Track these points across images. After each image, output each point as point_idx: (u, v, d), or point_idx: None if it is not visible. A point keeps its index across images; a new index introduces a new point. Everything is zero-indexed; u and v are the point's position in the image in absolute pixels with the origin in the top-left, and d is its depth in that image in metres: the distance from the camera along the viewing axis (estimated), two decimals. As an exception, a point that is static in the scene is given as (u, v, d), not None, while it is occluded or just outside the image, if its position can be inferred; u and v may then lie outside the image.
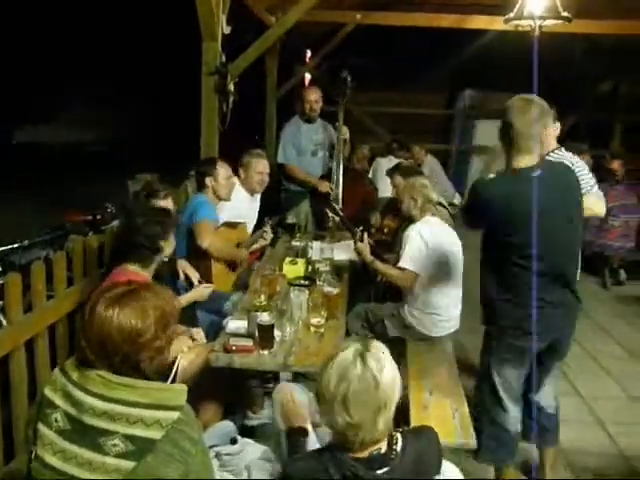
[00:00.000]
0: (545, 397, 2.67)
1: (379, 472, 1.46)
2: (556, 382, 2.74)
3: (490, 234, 2.42)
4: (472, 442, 2.39)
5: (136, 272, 2.54)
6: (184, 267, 3.22)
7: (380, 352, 1.50)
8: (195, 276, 3.18)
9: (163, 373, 1.57)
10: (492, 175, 2.48)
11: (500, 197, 2.26)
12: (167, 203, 3.05)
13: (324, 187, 4.60)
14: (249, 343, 2.44)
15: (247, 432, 2.98)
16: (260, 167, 4.01)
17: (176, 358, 2.51)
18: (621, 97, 9.92)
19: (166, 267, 3.04)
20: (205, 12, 4.10)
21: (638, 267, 6.15)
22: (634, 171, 7.26)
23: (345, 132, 4.65)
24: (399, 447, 1.52)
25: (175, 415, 1.45)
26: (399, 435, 1.56)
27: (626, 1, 6.57)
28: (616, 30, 6.51)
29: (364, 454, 1.47)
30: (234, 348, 2.42)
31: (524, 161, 2.29)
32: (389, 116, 9.57)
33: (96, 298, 1.52)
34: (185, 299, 2.89)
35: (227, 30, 4.44)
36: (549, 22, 4.83)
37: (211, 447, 2.04)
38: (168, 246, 2.66)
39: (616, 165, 6.78)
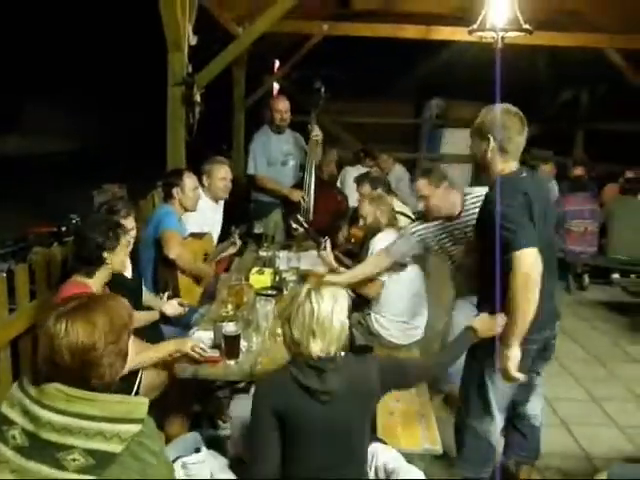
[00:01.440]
0: (535, 409, 2.69)
1: (331, 365, 1.81)
2: (541, 393, 2.74)
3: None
4: (438, 448, 2.42)
5: (83, 283, 2.51)
6: (155, 305, 3.15)
7: (328, 292, 1.83)
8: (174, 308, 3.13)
9: (112, 385, 1.54)
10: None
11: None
12: (128, 222, 3.02)
13: (296, 196, 4.59)
14: (215, 354, 2.44)
15: (217, 442, 2.97)
16: (222, 173, 4.03)
17: (139, 370, 2.53)
18: (582, 106, 10.19)
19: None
20: (170, 23, 4.09)
21: (601, 272, 6.31)
22: (595, 178, 7.44)
23: (318, 134, 4.64)
24: (342, 354, 1.89)
25: (135, 428, 1.44)
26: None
27: (584, 15, 6.79)
28: (575, 42, 6.71)
29: (314, 359, 1.82)
30: (202, 360, 2.41)
31: (512, 166, 2.35)
32: (357, 125, 9.66)
33: (48, 312, 1.50)
34: (165, 350, 2.59)
35: (193, 41, 4.44)
36: (511, 34, 4.95)
37: (177, 458, 2.03)
38: (115, 258, 2.59)
39: (579, 171, 6.96)
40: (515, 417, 2.69)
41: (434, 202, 2.99)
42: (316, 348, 1.80)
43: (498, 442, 2.63)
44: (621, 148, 8.32)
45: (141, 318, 2.81)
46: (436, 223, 3.07)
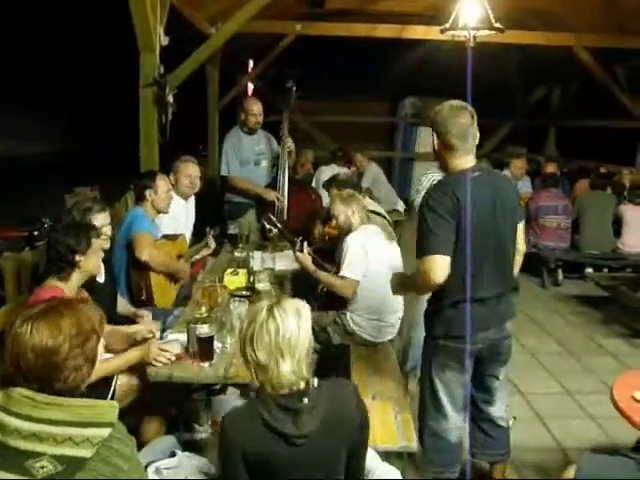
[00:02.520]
0: (499, 410, 2.67)
1: (303, 402, 1.64)
2: (506, 393, 2.74)
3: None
4: (414, 445, 2.44)
5: (56, 287, 2.48)
6: (131, 313, 3.14)
7: (291, 307, 1.69)
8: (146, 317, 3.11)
9: (78, 390, 1.53)
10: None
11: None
12: (103, 218, 2.99)
13: (271, 196, 4.58)
14: (178, 350, 2.42)
15: (193, 445, 2.95)
16: (188, 170, 4.02)
17: (114, 375, 2.50)
18: (554, 103, 10.34)
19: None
20: (141, 24, 4.07)
21: (574, 267, 6.41)
22: (567, 174, 7.56)
23: (290, 144, 4.66)
24: (315, 384, 1.71)
25: (106, 432, 1.43)
26: (314, 378, 1.73)
27: (554, 14, 6.89)
28: (545, 41, 6.83)
29: (284, 391, 1.65)
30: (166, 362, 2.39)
31: (466, 162, 2.33)
32: (333, 125, 9.68)
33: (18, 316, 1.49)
34: (129, 359, 2.53)
35: (165, 41, 4.41)
36: (483, 33, 5.01)
37: (151, 462, 2.02)
38: (88, 261, 2.57)
39: (552, 168, 7.06)
40: (479, 419, 2.69)
41: None
42: (287, 370, 1.64)
43: (462, 441, 2.63)
44: (592, 144, 8.47)
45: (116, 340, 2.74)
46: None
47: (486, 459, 2.77)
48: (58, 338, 1.44)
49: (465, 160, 2.33)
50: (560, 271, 6.39)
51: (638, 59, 7.37)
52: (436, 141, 2.37)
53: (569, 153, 8.99)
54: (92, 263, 2.62)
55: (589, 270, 6.22)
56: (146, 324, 2.93)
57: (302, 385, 1.67)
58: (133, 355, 2.50)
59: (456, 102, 2.37)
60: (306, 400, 1.64)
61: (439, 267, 2.18)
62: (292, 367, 1.64)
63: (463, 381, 2.45)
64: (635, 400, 2.36)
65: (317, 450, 1.66)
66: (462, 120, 2.29)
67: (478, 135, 2.38)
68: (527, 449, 3.26)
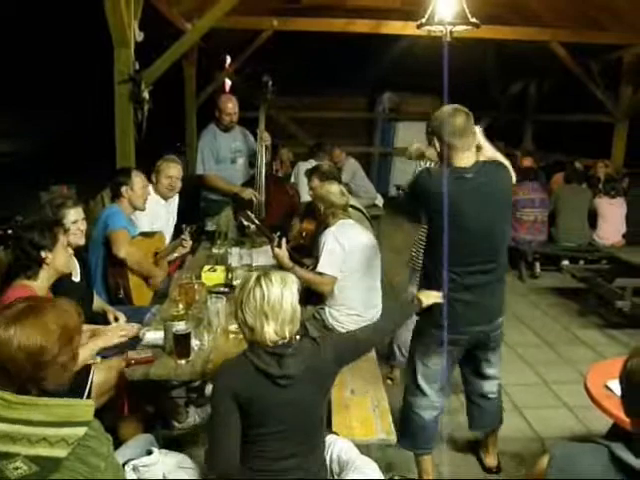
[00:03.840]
0: (491, 385, 2.87)
1: (288, 350, 1.87)
2: (497, 371, 2.90)
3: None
4: (392, 437, 2.45)
5: (26, 286, 2.45)
6: (107, 310, 3.11)
7: (277, 276, 1.92)
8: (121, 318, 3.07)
9: (64, 386, 1.53)
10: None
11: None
12: (76, 212, 2.96)
13: (247, 194, 4.56)
14: (149, 354, 2.41)
15: (172, 442, 2.94)
16: (170, 172, 3.99)
17: (90, 373, 2.48)
18: (530, 98, 10.44)
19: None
20: (115, 19, 4.02)
21: (551, 259, 6.49)
22: (544, 168, 7.65)
23: (267, 138, 4.63)
24: (297, 339, 1.97)
25: (81, 431, 1.42)
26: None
27: (528, 9, 6.97)
28: (521, 36, 6.88)
29: (270, 345, 1.88)
30: (133, 362, 2.37)
31: (467, 160, 2.46)
32: (311, 120, 9.67)
33: None
34: (93, 348, 2.52)
35: (140, 37, 4.37)
36: (459, 28, 5.03)
37: (128, 461, 2.00)
38: (56, 257, 2.53)
39: (528, 162, 7.13)
40: (472, 394, 2.93)
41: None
42: (270, 331, 1.86)
43: (439, 423, 2.78)
44: (567, 138, 8.58)
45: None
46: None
47: (481, 430, 3.02)
48: (49, 338, 1.45)
49: (469, 157, 2.47)
50: (537, 264, 6.47)
51: (611, 54, 7.48)
52: (437, 144, 2.51)
53: (546, 147, 9.09)
54: (60, 260, 2.57)
55: (565, 262, 6.31)
56: (117, 327, 2.85)
57: (287, 339, 1.90)
58: (94, 344, 2.50)
59: (451, 106, 2.51)
60: (290, 349, 1.88)
61: None
62: (275, 329, 1.86)
63: (443, 365, 2.62)
64: (608, 389, 2.40)
65: (300, 392, 1.88)
66: (458, 120, 2.44)
67: (477, 131, 2.52)
68: (506, 439, 3.29)
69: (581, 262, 6.30)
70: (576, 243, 6.32)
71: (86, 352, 2.41)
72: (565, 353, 4.52)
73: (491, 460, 3.04)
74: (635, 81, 7.42)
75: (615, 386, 2.34)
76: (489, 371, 2.83)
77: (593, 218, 6.37)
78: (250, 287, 1.90)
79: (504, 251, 2.60)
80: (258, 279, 1.91)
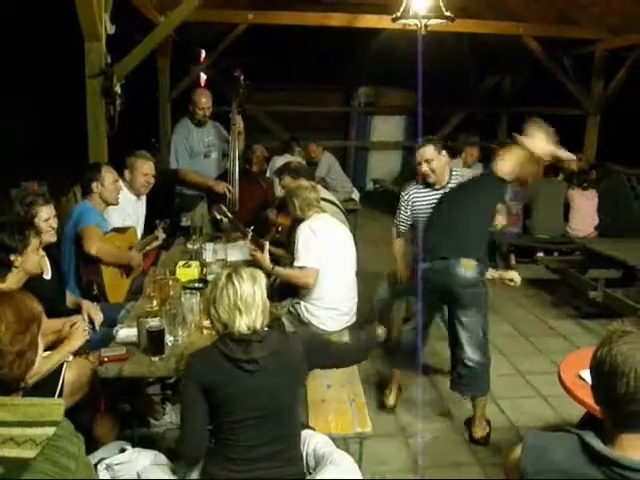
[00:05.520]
0: (466, 352, 3.15)
1: (255, 337, 1.93)
2: (477, 342, 3.17)
3: None
4: (369, 430, 2.46)
5: None
6: (89, 309, 3.06)
7: (247, 273, 2.00)
8: (98, 319, 3.02)
9: (24, 379, 1.50)
10: None
11: None
12: (48, 210, 2.91)
13: (221, 188, 4.52)
14: (122, 352, 2.38)
15: (149, 440, 2.92)
16: (145, 169, 3.94)
17: (61, 371, 2.44)
18: (505, 91, 10.53)
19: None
20: (85, 11, 3.95)
21: (526, 251, 6.56)
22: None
23: (239, 123, 4.57)
24: (265, 328, 2.01)
25: (50, 431, 1.39)
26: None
27: (501, 4, 7.02)
28: (495, 30, 6.96)
29: (239, 337, 1.94)
30: (106, 359, 2.34)
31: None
32: (287, 115, 9.62)
33: None
34: (63, 353, 2.48)
35: (111, 30, 4.29)
36: (433, 21, 5.05)
37: (101, 460, 1.98)
38: (26, 260, 2.48)
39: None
40: (453, 359, 3.26)
41: (435, 166, 3.39)
42: (243, 324, 1.92)
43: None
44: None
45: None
46: (428, 189, 3.49)
47: (461, 393, 3.31)
48: (1, 325, 1.43)
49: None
50: (513, 256, 6.54)
51: (583, 49, 7.58)
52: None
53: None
54: (32, 262, 2.53)
55: (540, 254, 6.38)
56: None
57: (258, 328, 1.97)
58: (67, 347, 2.46)
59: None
60: (256, 335, 1.94)
61: None
62: (247, 322, 1.93)
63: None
64: (580, 378, 2.44)
65: (268, 380, 1.93)
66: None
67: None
68: (482, 429, 3.35)
69: (555, 254, 6.38)
70: (551, 235, 6.39)
71: (54, 358, 2.38)
72: (540, 344, 4.58)
73: (477, 431, 3.22)
74: (606, 76, 7.53)
75: (587, 375, 2.36)
76: (462, 335, 3.14)
77: (566, 210, 6.45)
78: (222, 284, 1.96)
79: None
80: (229, 276, 1.98)
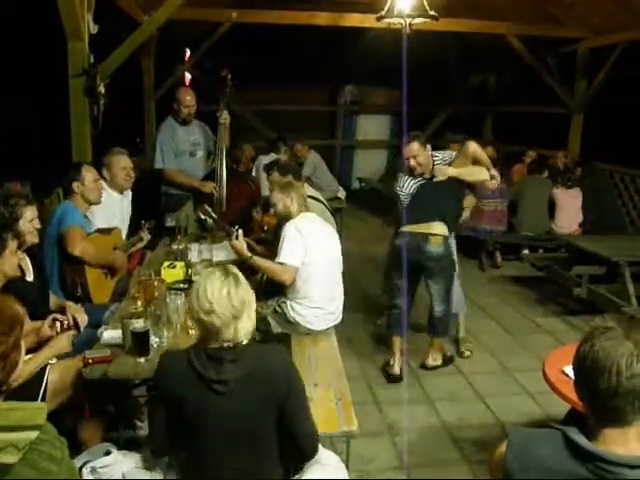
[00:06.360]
0: (434, 303, 3.86)
1: (228, 355, 1.81)
2: (443, 296, 3.84)
3: None
4: (355, 429, 2.45)
5: None
6: (73, 312, 3.02)
7: (220, 271, 1.88)
8: (82, 321, 2.98)
9: (8, 380, 1.49)
10: None
11: None
12: (31, 211, 2.88)
13: (207, 188, 4.50)
14: (107, 353, 2.36)
15: (135, 442, 2.89)
16: (122, 163, 3.92)
17: (44, 374, 2.41)
18: (490, 90, 10.59)
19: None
20: (68, 11, 3.92)
21: (511, 249, 6.60)
22: (504, 159, 7.76)
23: (225, 117, 4.54)
24: (244, 343, 1.87)
25: (33, 435, 1.37)
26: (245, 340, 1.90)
27: (486, 4, 7.05)
28: (478, 29, 7.01)
29: (215, 345, 1.83)
30: (90, 361, 2.33)
31: None
32: (273, 114, 9.59)
33: None
34: (46, 356, 2.48)
35: (94, 29, 4.26)
36: (418, 20, 5.06)
37: (86, 463, 1.96)
38: (4, 263, 2.46)
39: (489, 152, 7.21)
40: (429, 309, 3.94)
41: (421, 160, 3.71)
42: (224, 330, 1.80)
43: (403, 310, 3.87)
44: (525, 130, 8.73)
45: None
46: (418, 179, 3.78)
47: (430, 335, 4.04)
48: None
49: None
50: (498, 253, 6.57)
51: (567, 48, 7.64)
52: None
53: (505, 138, 9.24)
54: (10, 265, 2.51)
55: (525, 252, 6.42)
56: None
57: (232, 343, 1.84)
58: (49, 352, 2.47)
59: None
60: (231, 354, 1.81)
61: None
62: (229, 328, 1.81)
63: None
64: (564, 374, 2.45)
65: (241, 403, 1.80)
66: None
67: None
68: (468, 426, 3.38)
69: (540, 251, 6.42)
70: (536, 233, 6.44)
71: (37, 360, 2.36)
72: (525, 341, 4.61)
73: (429, 362, 4.02)
74: (589, 75, 7.60)
75: (571, 371, 2.38)
76: (434, 295, 3.83)
77: (551, 208, 6.50)
78: (198, 287, 1.85)
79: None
80: (204, 276, 1.87)
